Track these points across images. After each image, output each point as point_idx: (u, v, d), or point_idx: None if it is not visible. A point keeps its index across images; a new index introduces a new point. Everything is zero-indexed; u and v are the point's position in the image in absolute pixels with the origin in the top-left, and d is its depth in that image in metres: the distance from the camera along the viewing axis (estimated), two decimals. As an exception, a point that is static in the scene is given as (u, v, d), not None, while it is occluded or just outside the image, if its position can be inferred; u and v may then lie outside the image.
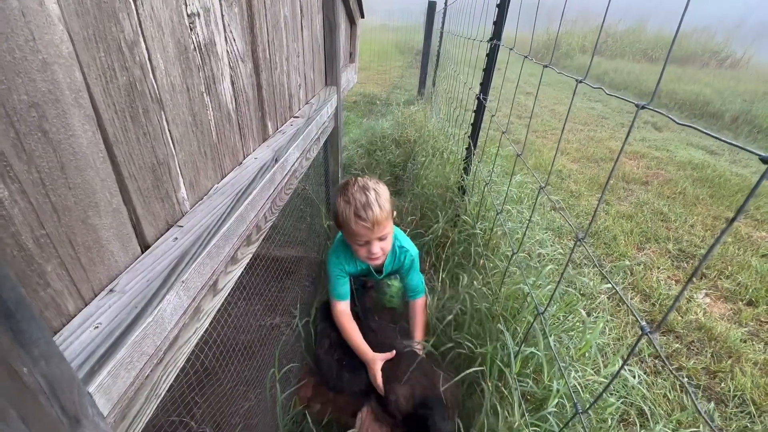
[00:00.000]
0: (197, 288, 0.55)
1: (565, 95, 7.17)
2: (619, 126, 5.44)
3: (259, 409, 1.27)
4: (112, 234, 0.44)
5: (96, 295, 0.42)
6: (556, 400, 0.83)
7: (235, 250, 0.68)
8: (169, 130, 0.53)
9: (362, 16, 2.13)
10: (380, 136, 3.47)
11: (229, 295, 0.70)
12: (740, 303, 2.02)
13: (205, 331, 0.70)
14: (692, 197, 3.22)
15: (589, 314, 1.24)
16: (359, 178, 1.17)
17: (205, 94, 0.62)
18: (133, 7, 0.44)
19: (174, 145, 0.54)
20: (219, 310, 0.65)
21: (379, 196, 1.11)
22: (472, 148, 1.67)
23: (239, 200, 0.68)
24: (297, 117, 1.12)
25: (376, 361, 1.11)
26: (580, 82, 0.70)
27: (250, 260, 0.77)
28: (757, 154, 0.37)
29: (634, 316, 1.72)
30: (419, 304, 1.29)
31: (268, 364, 1.32)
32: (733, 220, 0.40)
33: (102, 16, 0.40)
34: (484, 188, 1.32)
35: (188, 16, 0.55)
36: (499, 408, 0.81)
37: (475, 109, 1.72)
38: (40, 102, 0.34)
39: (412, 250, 1.30)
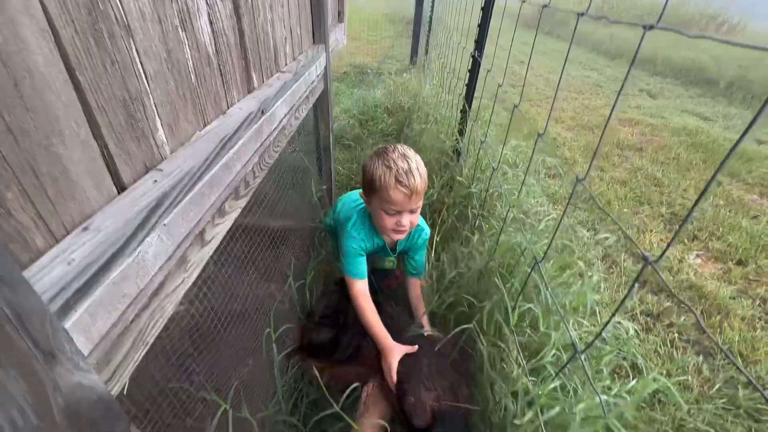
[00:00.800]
0: (182, 235, 0.52)
1: (558, 64, 7.02)
2: (614, 94, 5.37)
3: (258, 372, 1.28)
4: (83, 169, 0.40)
5: (68, 233, 0.38)
6: (554, 351, 0.83)
7: (222, 201, 0.65)
8: (141, 63, 0.48)
9: (350, -27, 2.02)
10: (372, 105, 3.38)
11: (218, 250, 0.68)
12: (730, 263, 2.05)
13: (195, 286, 0.68)
14: (686, 162, 3.22)
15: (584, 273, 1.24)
16: (398, 145, 1.13)
17: (180, 29, 0.57)
18: None
19: (148, 81, 0.50)
20: (208, 263, 0.62)
21: (419, 165, 1.07)
22: (467, 109, 1.63)
23: (224, 148, 0.64)
24: (284, 72, 1.06)
25: (394, 351, 1.04)
26: (582, 15, 0.66)
27: (238, 215, 0.74)
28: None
29: (626, 276, 1.73)
30: (420, 283, 1.28)
31: (265, 330, 1.32)
32: (718, 171, 0.39)
33: None
34: (479, 149, 1.29)
35: (155, -66, 0.50)
36: (496, 359, 0.81)
37: (469, 68, 1.66)
38: (-20, 2, 0.29)
39: (426, 229, 1.28)
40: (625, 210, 2.47)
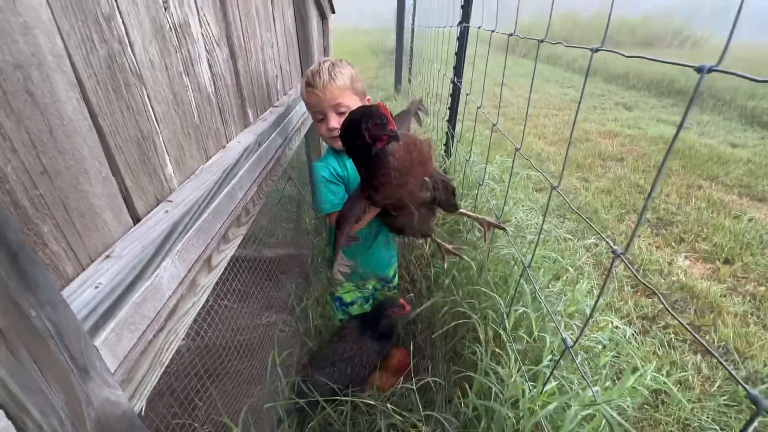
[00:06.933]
0: (192, 260, 0.56)
1: (537, 84, 7.33)
2: (592, 108, 5.60)
3: (261, 405, 1.27)
4: (104, 203, 0.44)
5: (93, 261, 0.42)
6: (549, 355, 0.86)
7: (226, 229, 0.69)
8: (151, 107, 0.54)
9: (333, 11, 2.15)
10: (361, 132, 3.48)
11: (223, 275, 0.71)
12: (718, 262, 2.11)
13: (203, 310, 0.71)
14: (666, 169, 3.34)
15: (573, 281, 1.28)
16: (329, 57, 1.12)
17: (183, 75, 0.63)
18: (106, -19, 0.45)
19: (158, 122, 0.55)
20: (214, 287, 0.65)
21: (334, 67, 1.05)
22: (451, 130, 1.71)
23: (226, 179, 0.69)
24: (276, 106, 1.13)
25: None
26: (542, 41, 0.73)
27: (241, 241, 0.77)
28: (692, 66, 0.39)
29: (619, 281, 1.77)
30: None
31: (268, 361, 1.33)
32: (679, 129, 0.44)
33: (77, -14, 0.41)
34: (465, 166, 1.36)
35: (161, -5, 0.56)
36: (494, 365, 0.83)
37: (450, 93, 1.75)
38: (24, 64, 0.34)
39: None
40: (606, 214, 2.54)
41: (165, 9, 0.57)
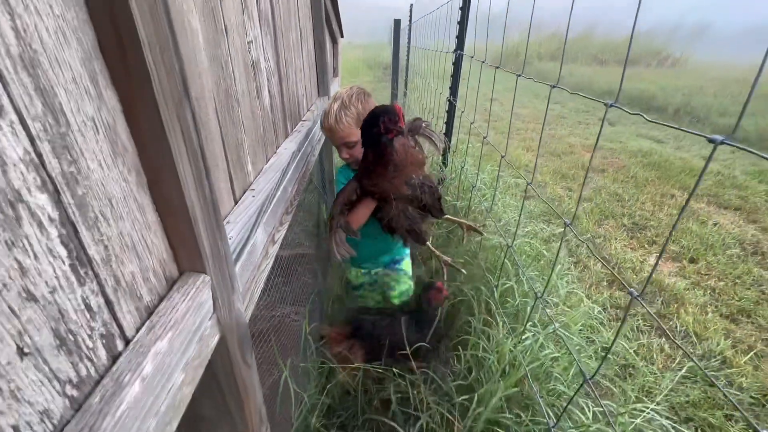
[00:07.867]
0: (268, 233, 0.77)
1: (527, 99, 7.71)
2: (577, 124, 5.94)
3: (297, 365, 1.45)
4: (223, 186, 0.66)
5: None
6: (529, 322, 1.08)
7: (282, 214, 0.90)
8: (242, 122, 0.75)
9: (342, 36, 2.40)
10: (361, 144, 3.73)
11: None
12: (684, 261, 2.37)
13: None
14: (642, 179, 3.63)
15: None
16: (352, 86, 1.31)
17: (256, 98, 0.85)
18: (225, 37, 0.67)
19: (245, 133, 0.77)
20: (275, 257, 0.86)
21: (343, 107, 1.22)
22: (448, 144, 1.94)
23: (283, 176, 0.90)
24: (304, 120, 1.35)
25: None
26: (519, 76, 0.97)
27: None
28: (704, 136, 0.62)
29: (597, 277, 1.99)
30: None
31: (284, 346, 1.51)
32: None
33: (214, 42, 0.63)
34: (460, 172, 1.59)
35: (248, 42, 0.79)
36: (487, 328, 1.04)
37: (447, 110, 2.00)
38: (199, 97, 0.56)
39: None
40: (587, 220, 2.78)
41: (248, 52, 0.80)
